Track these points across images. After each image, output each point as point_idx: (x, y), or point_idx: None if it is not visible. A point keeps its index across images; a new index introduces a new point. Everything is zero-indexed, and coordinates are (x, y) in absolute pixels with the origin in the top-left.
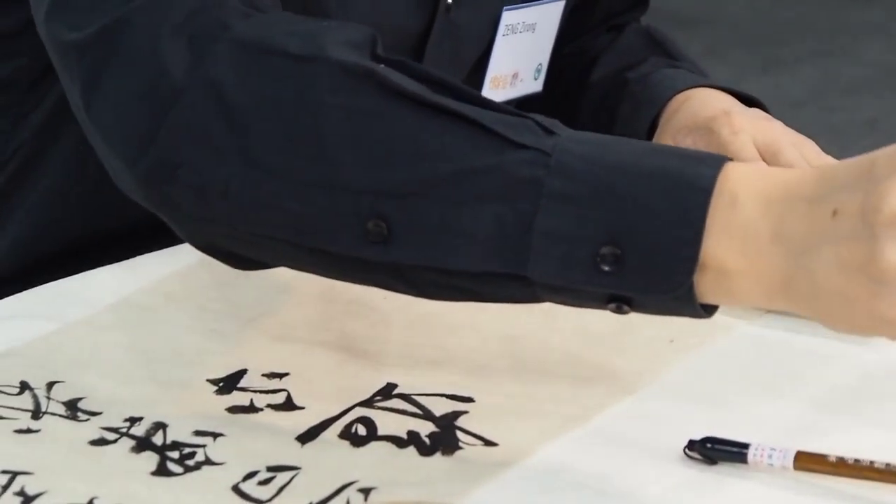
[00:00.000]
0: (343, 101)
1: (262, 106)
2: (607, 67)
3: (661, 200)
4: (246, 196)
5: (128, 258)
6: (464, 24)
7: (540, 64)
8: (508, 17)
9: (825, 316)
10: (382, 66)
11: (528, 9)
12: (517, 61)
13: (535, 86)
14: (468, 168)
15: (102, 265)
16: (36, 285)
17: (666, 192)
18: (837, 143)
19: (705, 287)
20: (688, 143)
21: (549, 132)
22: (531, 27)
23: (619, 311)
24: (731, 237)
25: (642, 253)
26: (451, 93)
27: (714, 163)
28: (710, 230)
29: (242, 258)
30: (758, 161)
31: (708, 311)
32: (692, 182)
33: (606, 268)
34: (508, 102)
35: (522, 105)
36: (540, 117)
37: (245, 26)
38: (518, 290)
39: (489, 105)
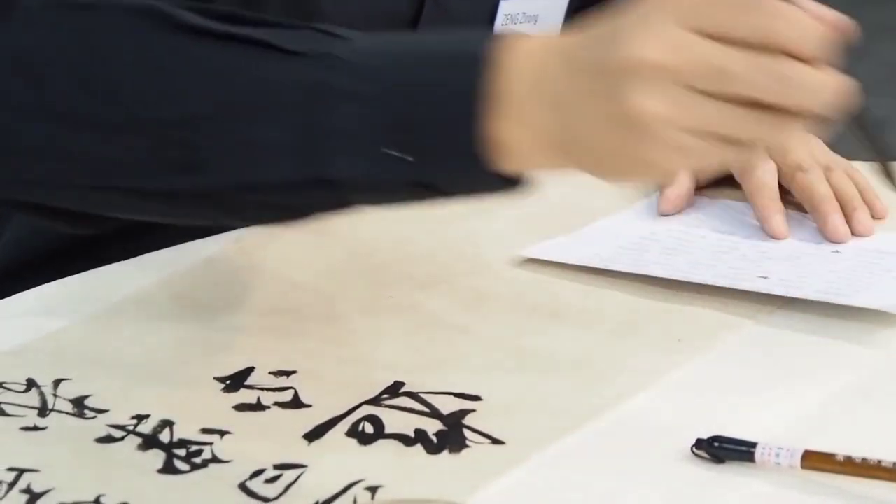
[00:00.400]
0: (128, 41)
1: (54, 58)
2: None
3: (441, 82)
4: (54, 149)
5: (123, 257)
6: (455, 11)
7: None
8: (507, 7)
9: (600, 169)
10: (163, 1)
11: (528, 0)
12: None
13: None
14: (259, 85)
15: (98, 264)
16: (32, 283)
17: (445, 72)
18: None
19: (492, 156)
20: None
21: (332, 35)
22: (533, 18)
23: (428, 197)
24: (508, 106)
25: (432, 136)
26: (234, 20)
27: (488, 38)
28: (491, 102)
29: (67, 213)
30: (766, 159)
31: (510, 184)
32: (470, 60)
33: (402, 156)
34: None
35: None
36: (323, 25)
37: None
38: (327, 196)
39: (274, 24)
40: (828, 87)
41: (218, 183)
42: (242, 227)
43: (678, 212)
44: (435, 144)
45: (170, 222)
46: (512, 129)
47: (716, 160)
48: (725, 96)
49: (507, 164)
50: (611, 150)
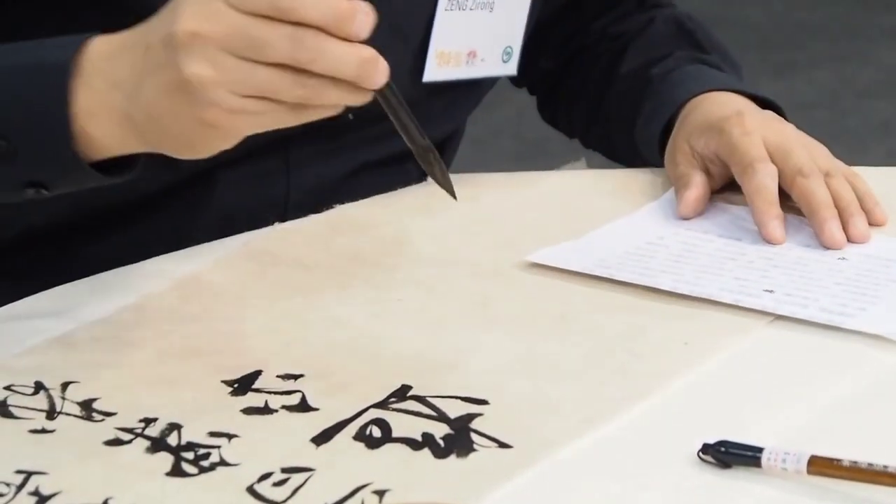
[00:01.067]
0: None
1: None
2: (635, 60)
3: (29, 89)
4: None
5: (119, 234)
6: None
7: (510, 47)
8: None
9: (166, 142)
10: None
11: None
12: (472, 40)
13: (506, 69)
14: None
15: (91, 242)
16: (25, 259)
17: (32, 80)
18: (850, 146)
19: (85, 150)
20: (700, 143)
21: None
22: (487, 5)
23: (38, 195)
24: (83, 100)
25: (28, 140)
26: None
27: (73, 43)
28: (71, 102)
29: None
30: (767, 161)
31: (115, 173)
32: (52, 67)
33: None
34: (469, 82)
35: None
36: None
37: None
38: None
39: None
40: (352, 58)
41: None
42: None
43: (698, 215)
44: (36, 150)
45: None
46: (91, 117)
47: (274, 121)
48: (265, 61)
49: (95, 154)
50: (174, 119)
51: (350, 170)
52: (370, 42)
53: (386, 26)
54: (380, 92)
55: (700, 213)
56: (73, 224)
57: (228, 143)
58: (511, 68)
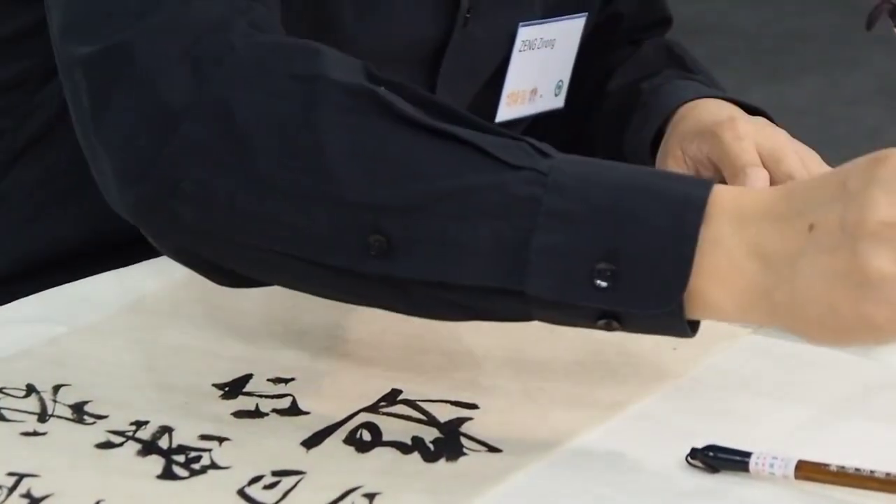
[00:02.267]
0: (345, 120)
1: (265, 123)
2: (624, 78)
3: (655, 217)
4: (249, 209)
5: (125, 263)
6: (480, 37)
7: (561, 80)
8: (525, 33)
9: (807, 325)
10: (383, 87)
11: (546, 25)
12: (535, 77)
13: (556, 102)
14: (467, 186)
15: (99, 270)
16: (31, 288)
17: (661, 209)
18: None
19: (689, 304)
20: (692, 148)
21: (544, 154)
22: (550, 43)
23: (608, 328)
24: (711, 257)
25: (637, 269)
26: (448, 116)
27: (703, 183)
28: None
29: (229, 273)
30: (759, 166)
31: (692, 328)
32: (686, 200)
33: (602, 283)
34: (526, 118)
35: (542, 120)
36: (534, 141)
37: (248, 48)
38: (513, 306)
39: (485, 128)
40: None
41: (404, 273)
42: (419, 316)
43: None
44: (642, 280)
45: (354, 303)
46: (714, 279)
47: None
48: None
49: (699, 312)
50: (830, 307)
51: None
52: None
53: (464, 70)
54: None
55: None
56: (79, 252)
57: (878, 343)
58: (560, 101)
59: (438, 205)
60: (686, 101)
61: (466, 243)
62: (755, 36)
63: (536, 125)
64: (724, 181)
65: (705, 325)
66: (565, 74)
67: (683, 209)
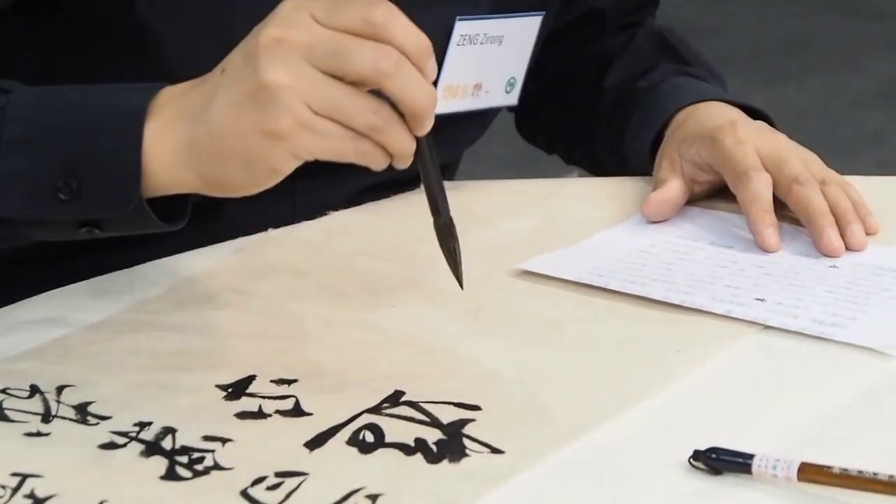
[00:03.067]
0: None
1: None
2: (620, 74)
3: (104, 131)
4: None
5: (125, 254)
6: None
7: (513, 78)
8: (463, 28)
9: (225, 169)
10: None
11: (491, 21)
12: (479, 72)
13: (508, 99)
14: None
15: (93, 261)
16: (12, 286)
17: (108, 122)
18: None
19: (144, 191)
20: (691, 152)
21: (4, 91)
22: (497, 39)
23: (89, 234)
24: (149, 134)
25: (94, 180)
26: None
27: (148, 88)
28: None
29: None
30: (761, 170)
31: (170, 220)
32: (129, 109)
33: (65, 198)
34: (473, 113)
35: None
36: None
37: None
38: (7, 231)
39: None
40: (427, 88)
41: None
42: None
43: (664, 219)
44: (101, 190)
45: None
46: (152, 149)
47: (335, 148)
48: (344, 74)
49: (151, 188)
50: (238, 136)
51: (353, 193)
52: None
53: None
54: (427, 140)
55: (665, 217)
56: (77, 243)
57: (285, 164)
58: (513, 98)
59: None
60: (685, 106)
61: None
62: (757, 38)
63: (537, 118)
64: (725, 188)
65: (708, 327)
66: (518, 72)
67: (128, 118)
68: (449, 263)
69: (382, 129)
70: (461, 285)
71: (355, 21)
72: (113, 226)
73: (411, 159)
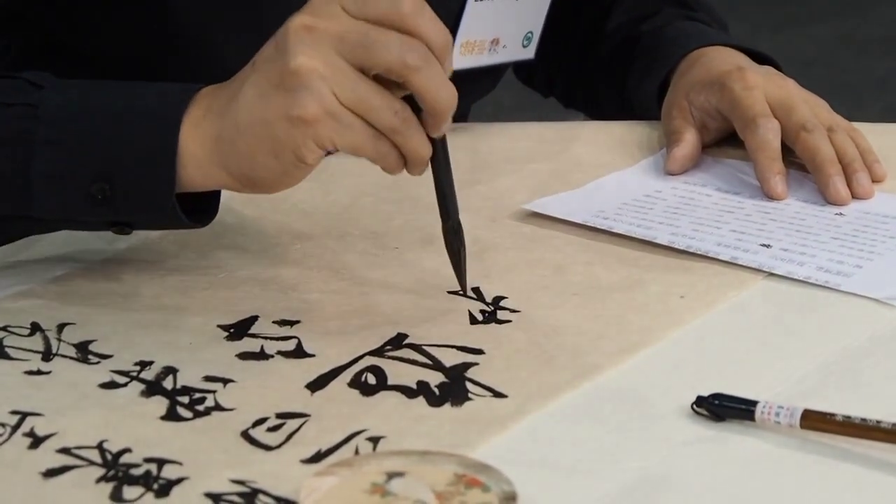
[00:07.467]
0: None
1: None
2: (621, 17)
3: (136, 140)
4: None
5: None
6: None
7: (530, 32)
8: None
9: (251, 161)
10: None
11: None
12: (497, 27)
13: (525, 53)
14: None
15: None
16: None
17: (141, 128)
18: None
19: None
20: (700, 99)
21: (37, 86)
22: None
23: (122, 232)
24: (182, 136)
25: (128, 185)
26: None
27: (182, 98)
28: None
29: None
30: (770, 116)
31: (201, 220)
32: (163, 116)
33: (98, 200)
34: (489, 68)
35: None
36: (30, 74)
37: None
38: (32, 227)
39: None
40: (449, 86)
41: None
42: None
43: (684, 171)
44: (135, 194)
45: None
46: (185, 149)
47: (355, 142)
48: (371, 66)
49: (182, 187)
50: (264, 125)
51: None
52: None
53: None
54: (442, 143)
55: (687, 169)
56: None
57: (310, 153)
58: (530, 52)
59: None
60: (691, 50)
61: None
62: None
63: (536, 60)
64: (734, 133)
65: (713, 273)
66: (536, 25)
67: (164, 128)
68: (454, 267)
69: (401, 132)
70: (464, 291)
71: (384, 10)
72: (143, 226)
73: (426, 166)
